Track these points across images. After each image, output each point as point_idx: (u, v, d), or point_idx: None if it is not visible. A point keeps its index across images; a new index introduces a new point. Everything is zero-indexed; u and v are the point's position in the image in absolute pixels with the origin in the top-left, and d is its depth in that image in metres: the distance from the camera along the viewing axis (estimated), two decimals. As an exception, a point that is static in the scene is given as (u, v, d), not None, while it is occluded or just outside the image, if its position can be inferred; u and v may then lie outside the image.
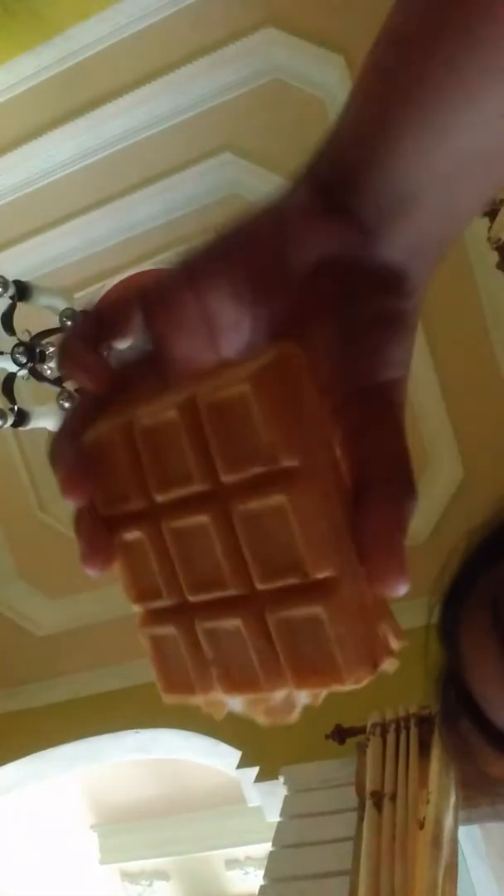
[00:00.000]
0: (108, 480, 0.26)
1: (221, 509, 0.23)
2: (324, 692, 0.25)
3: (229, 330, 0.27)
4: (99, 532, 0.28)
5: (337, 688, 0.23)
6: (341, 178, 0.27)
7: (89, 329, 0.28)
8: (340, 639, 0.23)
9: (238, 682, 0.24)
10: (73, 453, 0.26)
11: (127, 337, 0.28)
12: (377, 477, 0.25)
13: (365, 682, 0.24)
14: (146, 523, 0.25)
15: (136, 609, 0.27)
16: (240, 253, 0.28)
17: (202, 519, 0.24)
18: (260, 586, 0.23)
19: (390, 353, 0.28)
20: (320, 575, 0.22)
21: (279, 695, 0.25)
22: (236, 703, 0.26)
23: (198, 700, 0.26)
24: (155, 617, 0.26)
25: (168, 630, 0.26)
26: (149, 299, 0.27)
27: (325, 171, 0.28)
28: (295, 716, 0.25)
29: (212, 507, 0.24)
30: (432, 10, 0.27)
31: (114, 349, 0.29)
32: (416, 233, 0.28)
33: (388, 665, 0.24)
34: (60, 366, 0.29)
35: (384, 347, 0.28)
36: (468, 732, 0.46)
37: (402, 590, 0.25)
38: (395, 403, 0.27)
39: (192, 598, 0.25)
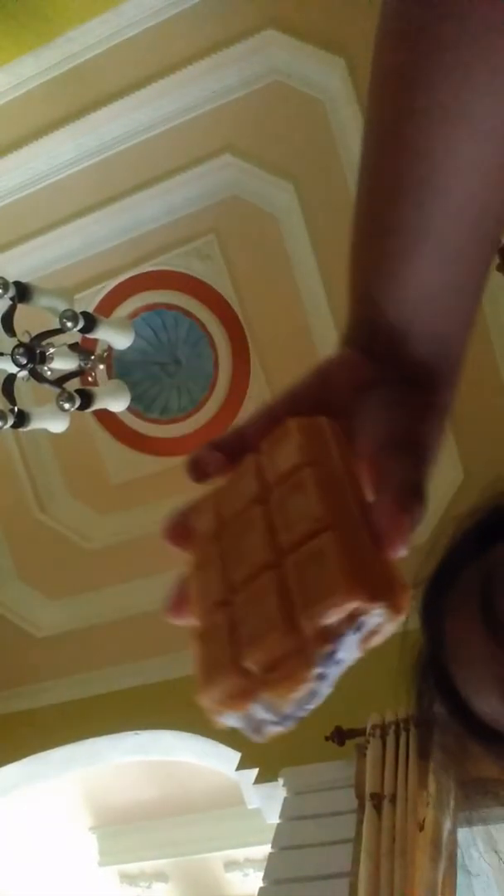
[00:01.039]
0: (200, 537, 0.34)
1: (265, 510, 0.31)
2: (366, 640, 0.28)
3: None
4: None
5: (341, 605, 0.26)
6: (364, 331, 0.39)
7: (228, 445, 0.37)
8: (340, 557, 0.27)
9: (262, 637, 0.27)
10: (176, 523, 0.36)
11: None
12: (391, 483, 0.31)
13: (361, 603, 0.26)
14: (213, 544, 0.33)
15: (195, 615, 0.31)
16: (305, 392, 0.38)
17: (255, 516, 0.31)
18: (284, 545, 0.29)
19: (422, 426, 0.36)
20: (324, 523, 0.28)
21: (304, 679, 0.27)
22: (232, 719, 0.28)
23: (220, 691, 0.28)
24: (207, 612, 0.31)
25: (215, 618, 0.30)
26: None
27: (353, 330, 0.40)
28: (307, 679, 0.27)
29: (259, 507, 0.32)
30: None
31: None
32: (429, 337, 0.37)
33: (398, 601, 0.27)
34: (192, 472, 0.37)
35: (416, 422, 0.36)
36: (443, 718, 0.48)
37: (401, 543, 0.29)
38: (423, 452, 0.35)
39: (234, 576, 0.30)
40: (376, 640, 0.28)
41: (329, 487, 0.30)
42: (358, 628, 0.27)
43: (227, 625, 0.29)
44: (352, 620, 0.26)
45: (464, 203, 0.34)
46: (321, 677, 0.27)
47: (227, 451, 0.36)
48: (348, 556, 0.27)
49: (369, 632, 0.27)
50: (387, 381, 0.37)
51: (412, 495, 0.30)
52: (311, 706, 0.28)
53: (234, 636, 0.28)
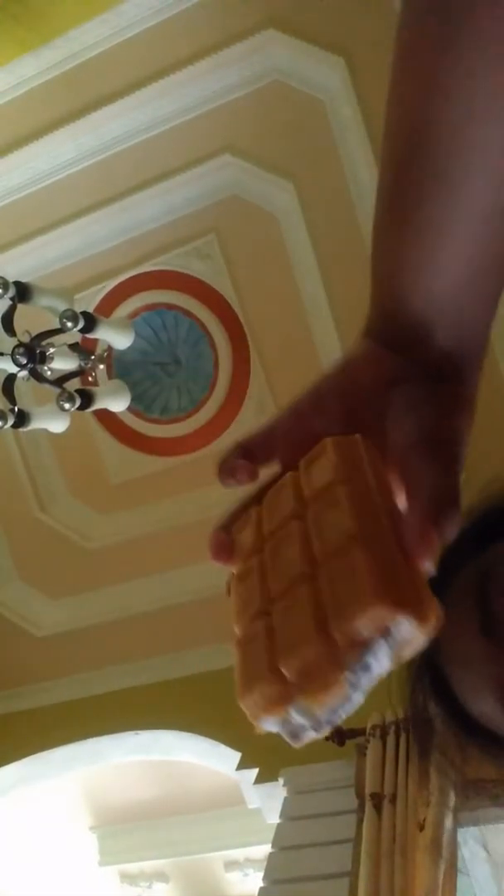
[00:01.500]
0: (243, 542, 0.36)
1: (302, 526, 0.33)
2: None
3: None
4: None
5: (367, 613, 0.27)
6: (389, 324, 0.38)
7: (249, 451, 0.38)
8: (369, 569, 0.28)
9: (297, 645, 0.29)
10: (223, 538, 0.36)
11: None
12: (420, 493, 0.32)
13: (388, 611, 0.27)
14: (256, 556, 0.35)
15: (237, 626, 0.33)
16: (335, 388, 0.38)
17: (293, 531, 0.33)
18: (319, 558, 0.31)
19: (450, 421, 0.36)
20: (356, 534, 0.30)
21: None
22: (271, 724, 0.30)
23: (260, 696, 0.30)
24: (247, 622, 0.32)
25: (255, 628, 0.32)
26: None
27: (376, 322, 0.39)
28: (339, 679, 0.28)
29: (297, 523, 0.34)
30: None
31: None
32: (456, 328, 0.36)
33: (425, 616, 0.28)
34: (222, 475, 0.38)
35: (444, 419, 0.36)
36: (439, 719, 0.48)
37: (429, 556, 0.30)
38: (453, 450, 0.35)
39: (273, 588, 0.32)
40: (408, 652, 0.29)
41: (362, 503, 0.31)
42: (387, 638, 0.28)
43: (265, 634, 0.30)
44: (381, 630, 0.28)
45: (498, 183, 0.32)
46: (353, 684, 0.28)
47: (256, 453, 0.37)
48: (377, 569, 0.28)
49: (401, 643, 0.28)
50: (413, 377, 0.37)
51: (444, 504, 0.31)
52: (345, 712, 0.29)
53: (272, 644, 0.30)
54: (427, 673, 0.49)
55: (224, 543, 0.36)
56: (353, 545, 0.29)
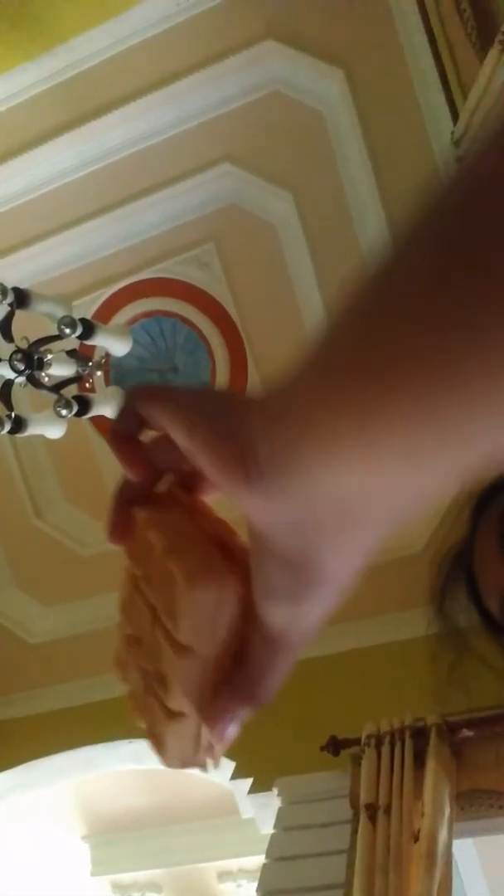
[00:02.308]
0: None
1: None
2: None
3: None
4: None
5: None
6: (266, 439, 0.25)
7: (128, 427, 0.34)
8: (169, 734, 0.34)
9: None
10: (120, 519, 0.36)
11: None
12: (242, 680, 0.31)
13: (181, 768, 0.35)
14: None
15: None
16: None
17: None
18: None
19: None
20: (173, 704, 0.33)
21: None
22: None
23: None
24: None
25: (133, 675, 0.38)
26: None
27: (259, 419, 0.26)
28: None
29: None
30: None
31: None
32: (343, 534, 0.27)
33: (203, 762, 0.35)
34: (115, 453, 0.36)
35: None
36: (461, 610, 0.60)
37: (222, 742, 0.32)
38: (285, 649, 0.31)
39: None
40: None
41: (167, 532, 0.33)
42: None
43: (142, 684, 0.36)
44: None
45: None
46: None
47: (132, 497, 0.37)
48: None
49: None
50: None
51: (252, 701, 0.31)
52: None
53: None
54: (460, 564, 0.60)
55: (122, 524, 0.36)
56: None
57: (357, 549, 0.26)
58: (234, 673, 0.31)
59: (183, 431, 0.29)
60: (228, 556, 0.32)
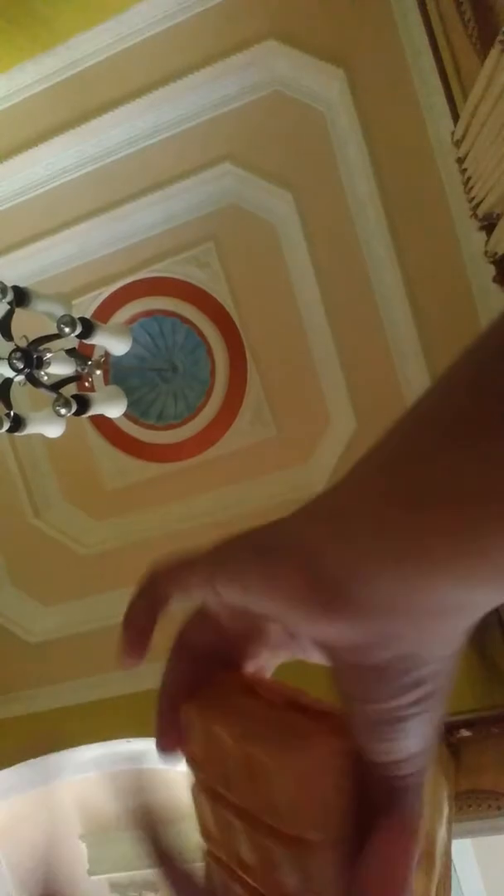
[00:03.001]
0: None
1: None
2: None
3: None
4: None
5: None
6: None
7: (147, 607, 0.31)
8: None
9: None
10: (169, 722, 0.32)
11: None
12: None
13: None
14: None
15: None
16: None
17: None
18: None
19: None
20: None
21: None
22: None
23: None
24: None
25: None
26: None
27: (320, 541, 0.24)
28: None
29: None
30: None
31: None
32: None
33: None
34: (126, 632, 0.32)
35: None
36: None
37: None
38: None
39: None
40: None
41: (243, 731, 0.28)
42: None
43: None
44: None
45: None
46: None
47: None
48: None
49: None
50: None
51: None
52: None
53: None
54: None
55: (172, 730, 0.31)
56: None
57: (459, 629, 0.25)
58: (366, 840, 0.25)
59: (234, 585, 0.26)
60: (310, 716, 0.27)
